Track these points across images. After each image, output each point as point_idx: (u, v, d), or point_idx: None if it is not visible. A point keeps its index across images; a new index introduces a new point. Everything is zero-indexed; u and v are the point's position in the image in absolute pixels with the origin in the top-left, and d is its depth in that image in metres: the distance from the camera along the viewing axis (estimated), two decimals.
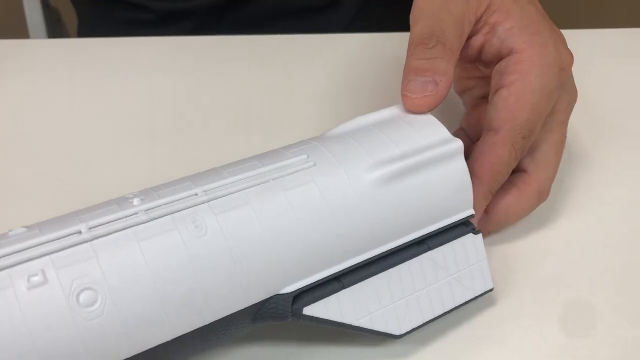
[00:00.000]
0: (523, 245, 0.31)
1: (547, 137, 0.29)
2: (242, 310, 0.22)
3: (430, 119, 0.26)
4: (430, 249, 0.25)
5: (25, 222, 0.21)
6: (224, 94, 0.40)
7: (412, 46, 0.27)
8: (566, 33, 0.30)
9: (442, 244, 0.25)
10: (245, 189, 0.22)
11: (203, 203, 0.21)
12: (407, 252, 0.25)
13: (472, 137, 0.32)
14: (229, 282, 0.21)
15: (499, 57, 0.28)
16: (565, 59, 0.28)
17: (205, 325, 0.21)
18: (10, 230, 0.20)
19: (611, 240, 0.31)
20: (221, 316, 0.21)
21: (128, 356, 0.20)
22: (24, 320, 0.18)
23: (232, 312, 0.21)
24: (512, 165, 0.28)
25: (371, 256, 0.24)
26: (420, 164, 0.24)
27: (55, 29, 0.68)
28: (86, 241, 0.20)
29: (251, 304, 0.22)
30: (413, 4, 0.29)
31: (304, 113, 0.39)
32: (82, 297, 0.19)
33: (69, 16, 0.69)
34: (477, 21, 0.28)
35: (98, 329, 0.19)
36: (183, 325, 0.20)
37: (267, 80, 0.41)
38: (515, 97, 0.27)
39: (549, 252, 0.30)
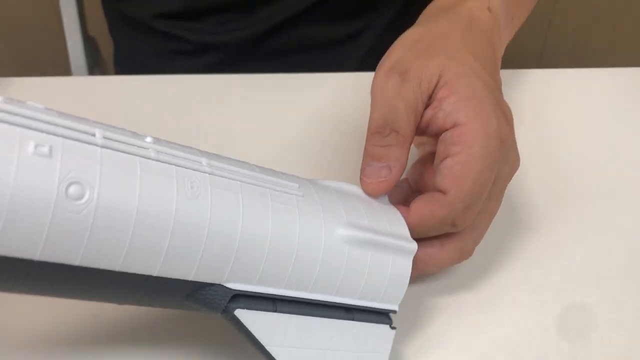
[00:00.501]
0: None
1: (484, 205, 0.30)
2: (185, 281, 0.22)
3: (398, 216, 0.29)
4: (353, 319, 0.27)
5: None
6: (254, 128, 0.44)
7: (369, 133, 0.30)
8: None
9: (363, 320, 0.27)
10: (241, 181, 0.24)
11: (205, 173, 0.23)
12: (337, 311, 0.27)
13: (414, 189, 0.33)
14: (191, 250, 0.22)
15: (444, 129, 0.29)
16: (505, 132, 0.29)
17: (149, 276, 0.22)
18: (31, 102, 0.20)
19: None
20: (167, 276, 0.22)
21: (73, 264, 0.20)
22: (11, 180, 0.18)
23: (176, 277, 0.22)
24: (442, 228, 0.29)
25: (310, 298, 0.25)
26: (380, 244, 0.27)
27: (94, 57, 0.73)
28: (97, 145, 0.20)
29: (196, 280, 0.23)
30: (371, 89, 0.30)
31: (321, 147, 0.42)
32: (72, 188, 0.19)
33: (103, 42, 0.75)
34: (428, 98, 0.30)
35: (68, 223, 0.19)
36: (135, 264, 0.21)
37: (297, 115, 0.45)
38: (460, 166, 0.28)
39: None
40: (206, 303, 0.23)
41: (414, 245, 0.28)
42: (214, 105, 0.45)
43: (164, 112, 0.45)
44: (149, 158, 0.21)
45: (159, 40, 0.58)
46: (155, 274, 0.22)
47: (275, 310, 0.25)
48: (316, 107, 0.45)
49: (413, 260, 0.28)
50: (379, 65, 0.31)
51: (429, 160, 0.32)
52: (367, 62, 0.56)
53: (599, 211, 0.38)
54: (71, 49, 0.71)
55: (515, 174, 0.32)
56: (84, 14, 0.71)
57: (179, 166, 0.22)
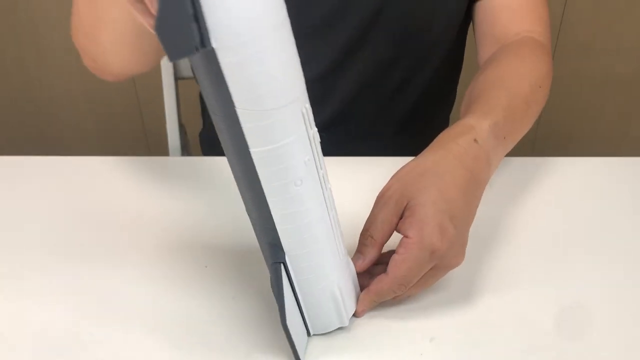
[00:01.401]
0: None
1: (419, 280, 0.45)
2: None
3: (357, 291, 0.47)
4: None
5: None
6: None
7: (361, 232, 0.46)
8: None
9: None
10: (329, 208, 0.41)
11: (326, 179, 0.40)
12: None
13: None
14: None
15: (403, 235, 0.44)
16: (437, 247, 0.43)
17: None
18: None
19: None
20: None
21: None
22: None
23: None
24: (389, 295, 0.45)
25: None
26: (340, 304, 0.45)
27: (183, 139, 0.93)
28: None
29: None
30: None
31: None
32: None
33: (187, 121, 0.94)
34: (401, 215, 0.45)
35: None
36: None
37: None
38: (399, 261, 0.43)
39: None
40: None
41: (346, 321, 0.46)
42: None
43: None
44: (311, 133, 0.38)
45: None
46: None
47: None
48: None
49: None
50: (382, 189, 0.47)
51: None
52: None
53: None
54: (170, 133, 0.90)
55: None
56: (180, 105, 0.91)
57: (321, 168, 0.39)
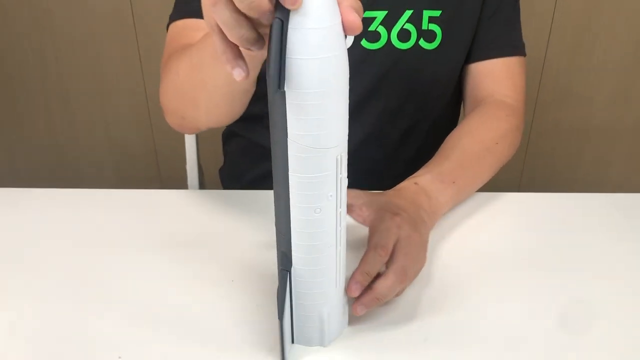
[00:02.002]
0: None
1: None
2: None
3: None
4: None
5: None
6: None
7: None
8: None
9: None
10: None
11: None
12: None
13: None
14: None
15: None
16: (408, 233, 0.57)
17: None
18: None
19: None
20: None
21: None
22: None
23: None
24: (390, 292, 0.54)
25: None
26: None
27: (200, 177, 1.01)
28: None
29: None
30: None
31: None
32: None
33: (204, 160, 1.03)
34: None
35: None
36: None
37: None
38: (403, 252, 0.56)
39: None
40: None
41: (326, 343, 0.54)
42: None
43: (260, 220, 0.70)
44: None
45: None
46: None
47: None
48: None
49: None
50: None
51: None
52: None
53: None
54: (189, 172, 0.98)
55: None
56: (199, 146, 1.00)
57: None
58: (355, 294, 0.54)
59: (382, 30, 0.79)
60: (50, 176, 1.65)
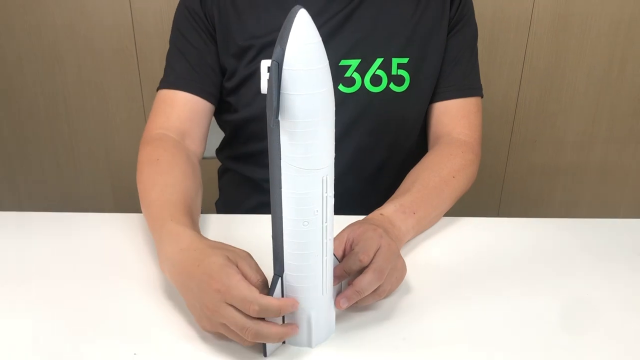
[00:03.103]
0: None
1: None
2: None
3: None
4: None
5: None
6: None
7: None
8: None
9: None
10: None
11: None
12: None
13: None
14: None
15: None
16: (388, 242, 0.65)
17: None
18: None
19: None
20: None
21: None
22: None
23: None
24: (368, 287, 0.62)
25: None
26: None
27: None
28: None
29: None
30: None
31: None
32: None
33: None
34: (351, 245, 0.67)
35: None
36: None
37: None
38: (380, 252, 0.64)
39: None
40: None
41: (312, 345, 0.61)
42: None
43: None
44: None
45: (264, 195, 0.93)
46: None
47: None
48: None
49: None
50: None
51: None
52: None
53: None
54: None
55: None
56: None
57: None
58: (342, 308, 0.62)
59: (356, 76, 0.91)
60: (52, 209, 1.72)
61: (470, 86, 0.96)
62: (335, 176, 0.93)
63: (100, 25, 1.49)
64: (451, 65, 0.95)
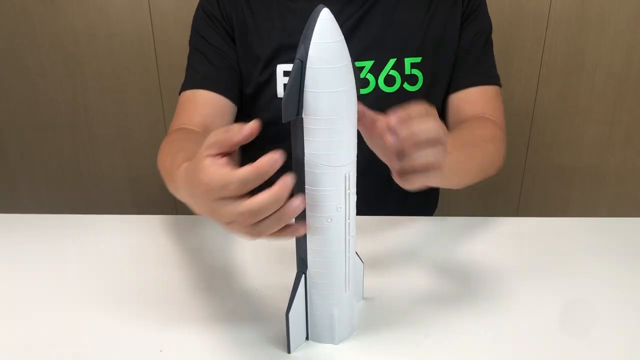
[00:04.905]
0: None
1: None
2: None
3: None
4: None
5: None
6: None
7: None
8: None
9: None
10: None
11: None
12: None
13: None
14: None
15: None
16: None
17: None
18: None
19: None
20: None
21: None
22: None
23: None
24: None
25: None
26: None
27: None
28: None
29: None
30: None
31: None
32: None
33: None
34: None
35: None
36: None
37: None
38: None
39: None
40: None
41: (336, 342, 0.61)
42: None
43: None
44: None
45: None
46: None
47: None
48: None
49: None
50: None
51: None
52: None
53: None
54: None
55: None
56: None
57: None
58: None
59: (370, 77, 0.91)
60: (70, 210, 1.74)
61: (488, 74, 0.96)
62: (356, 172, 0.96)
63: (120, 32, 1.51)
64: (466, 55, 0.95)
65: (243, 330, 0.63)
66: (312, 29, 0.50)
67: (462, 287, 0.71)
